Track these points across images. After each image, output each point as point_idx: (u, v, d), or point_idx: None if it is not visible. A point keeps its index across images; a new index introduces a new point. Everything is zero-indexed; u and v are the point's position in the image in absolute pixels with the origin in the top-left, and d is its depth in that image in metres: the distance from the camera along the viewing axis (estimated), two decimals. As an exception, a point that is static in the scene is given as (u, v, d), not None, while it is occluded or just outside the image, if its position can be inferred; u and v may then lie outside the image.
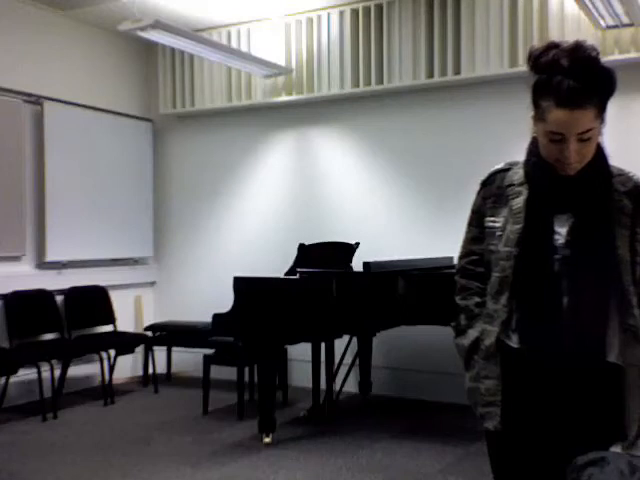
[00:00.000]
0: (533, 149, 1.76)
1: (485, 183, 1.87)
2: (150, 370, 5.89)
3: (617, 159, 1.80)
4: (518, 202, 1.77)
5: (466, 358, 1.84)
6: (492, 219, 1.82)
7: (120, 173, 6.22)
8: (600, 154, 1.74)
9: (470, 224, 1.91)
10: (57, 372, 5.18)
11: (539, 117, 1.65)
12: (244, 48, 5.89)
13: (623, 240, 1.69)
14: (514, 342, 1.77)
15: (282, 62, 5.74)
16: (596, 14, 4.30)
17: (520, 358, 1.75)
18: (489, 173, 1.88)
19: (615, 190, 1.71)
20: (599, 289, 1.69)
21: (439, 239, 5.32)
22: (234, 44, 5.95)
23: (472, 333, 1.83)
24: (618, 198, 1.70)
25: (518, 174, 1.81)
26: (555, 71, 1.60)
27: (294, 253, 4.71)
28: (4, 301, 5.18)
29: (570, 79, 1.57)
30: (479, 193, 1.88)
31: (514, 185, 1.79)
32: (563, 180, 1.71)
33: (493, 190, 1.83)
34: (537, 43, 1.73)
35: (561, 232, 1.71)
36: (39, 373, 4.85)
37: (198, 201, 6.48)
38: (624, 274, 1.69)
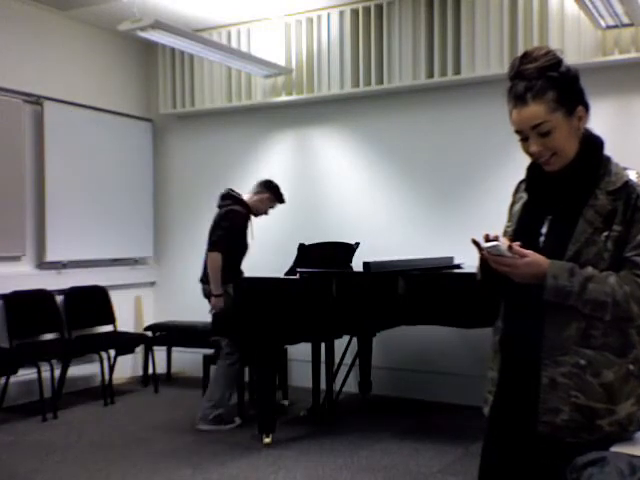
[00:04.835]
0: None
1: (514, 192, 1.97)
2: (150, 370, 5.90)
3: (617, 159, 1.79)
4: (518, 206, 1.88)
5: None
6: (506, 224, 1.93)
7: (120, 173, 6.22)
8: (589, 151, 1.75)
9: None
10: (57, 372, 5.18)
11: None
12: (244, 48, 5.89)
13: (582, 236, 1.68)
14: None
15: (282, 62, 5.74)
16: (596, 14, 4.30)
17: (505, 350, 1.83)
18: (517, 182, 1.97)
19: (600, 188, 1.70)
20: None
21: (439, 239, 5.31)
22: (234, 44, 5.95)
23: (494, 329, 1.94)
24: (600, 196, 1.69)
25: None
26: (513, 78, 1.73)
27: (294, 253, 4.71)
28: (4, 301, 5.18)
29: (522, 82, 1.70)
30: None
31: (520, 192, 1.91)
32: (550, 181, 1.77)
33: (514, 198, 1.95)
34: (537, 43, 1.78)
35: (544, 233, 1.78)
36: (39, 373, 4.85)
37: (198, 201, 6.46)
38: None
